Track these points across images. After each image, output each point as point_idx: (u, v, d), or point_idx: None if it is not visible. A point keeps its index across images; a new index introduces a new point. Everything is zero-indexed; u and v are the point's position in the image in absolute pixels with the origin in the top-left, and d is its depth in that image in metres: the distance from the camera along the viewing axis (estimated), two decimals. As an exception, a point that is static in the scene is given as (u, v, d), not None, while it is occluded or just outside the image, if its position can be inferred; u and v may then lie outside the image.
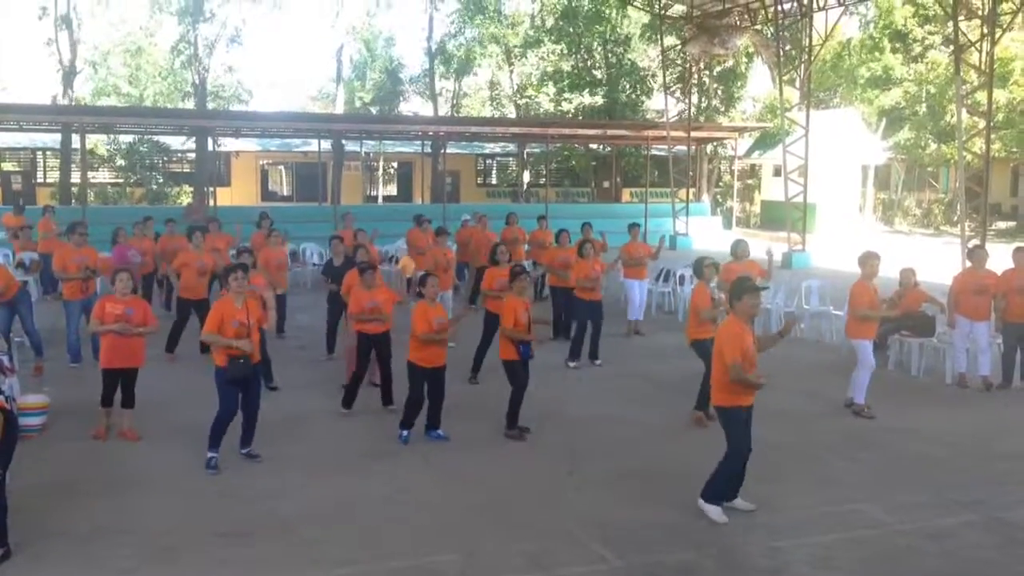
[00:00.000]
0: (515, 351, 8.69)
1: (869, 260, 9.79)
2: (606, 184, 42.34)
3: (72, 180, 32.38)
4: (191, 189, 36.17)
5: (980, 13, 19.30)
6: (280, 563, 6.02)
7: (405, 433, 8.54)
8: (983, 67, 18.88)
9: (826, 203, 31.86)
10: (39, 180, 37.99)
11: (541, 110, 39.96)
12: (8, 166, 38.79)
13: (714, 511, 6.79)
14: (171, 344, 12.02)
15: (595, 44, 39.86)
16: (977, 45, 19.10)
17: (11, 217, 18.46)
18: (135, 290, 9.10)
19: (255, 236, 14.81)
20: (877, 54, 37.12)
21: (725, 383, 6.72)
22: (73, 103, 34.08)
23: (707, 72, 38.06)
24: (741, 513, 6.89)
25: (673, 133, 30.48)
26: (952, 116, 32.14)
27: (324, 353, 12.11)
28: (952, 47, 21.61)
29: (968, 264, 11.61)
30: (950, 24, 21.29)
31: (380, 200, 42.44)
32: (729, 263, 11.29)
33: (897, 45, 37.19)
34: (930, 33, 36.54)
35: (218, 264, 12.46)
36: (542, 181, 41.19)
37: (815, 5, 24.34)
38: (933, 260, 19.83)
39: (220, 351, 7.75)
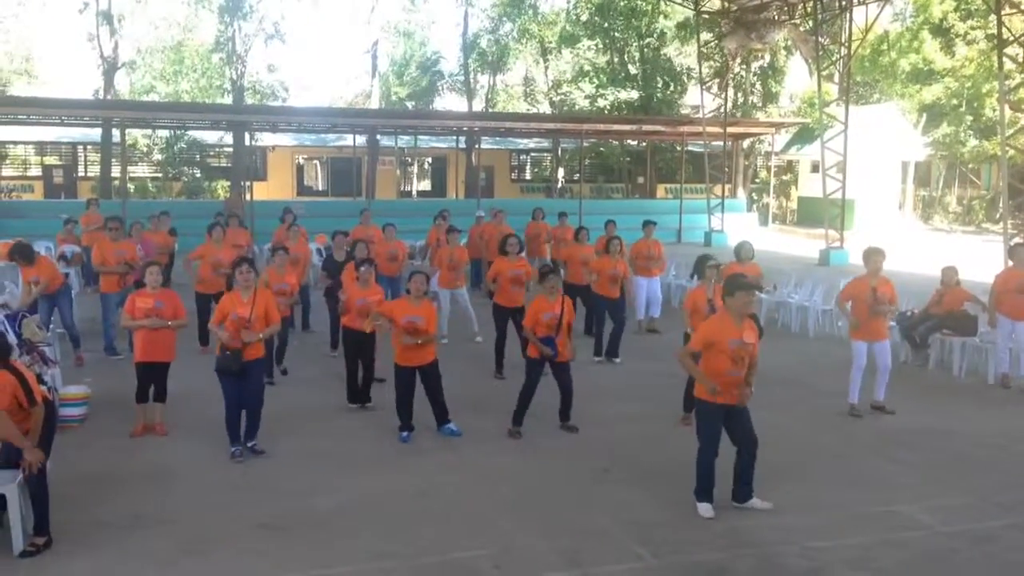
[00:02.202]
0: (536, 349, 8.65)
1: (871, 256, 9.57)
2: (640, 180, 42.14)
3: (112, 174, 32.88)
4: (228, 183, 36.55)
5: (1024, 7, 18.96)
6: (314, 556, 6.06)
7: (404, 434, 8.52)
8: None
9: (865, 200, 31.48)
10: (80, 174, 38.56)
11: (576, 106, 39.89)
12: (50, 160, 39.39)
13: (700, 507, 6.79)
14: (203, 336, 12.13)
15: (631, 39, 39.65)
16: (1021, 40, 18.75)
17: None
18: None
19: (279, 230, 14.89)
20: (916, 44, 36.57)
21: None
22: (114, 98, 34.57)
23: (744, 67, 37.72)
24: (779, 513, 6.80)
25: (709, 129, 30.28)
26: (993, 111, 31.62)
27: (331, 348, 12.13)
28: (995, 42, 21.23)
29: (1010, 263, 11.39)
30: (992, 18, 20.92)
31: (415, 195, 42.59)
32: (732, 264, 11.12)
33: (939, 40, 36.63)
34: (972, 28, 35.94)
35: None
36: (576, 176, 41.10)
37: (855, -1, 24.04)
38: (974, 258, 19.52)
39: (219, 343, 7.92)
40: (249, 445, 8.09)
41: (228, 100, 37.55)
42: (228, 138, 36.41)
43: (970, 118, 35.49)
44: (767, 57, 37.54)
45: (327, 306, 11.98)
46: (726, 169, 33.74)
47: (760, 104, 39.22)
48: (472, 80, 44.21)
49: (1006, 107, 20.42)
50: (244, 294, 8.06)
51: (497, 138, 40.49)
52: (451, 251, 13.02)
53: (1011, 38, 18.86)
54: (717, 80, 33.37)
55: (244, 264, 8.22)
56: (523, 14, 41.74)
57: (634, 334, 13.09)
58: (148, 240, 14.11)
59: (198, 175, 38.89)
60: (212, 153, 40.67)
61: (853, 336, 9.63)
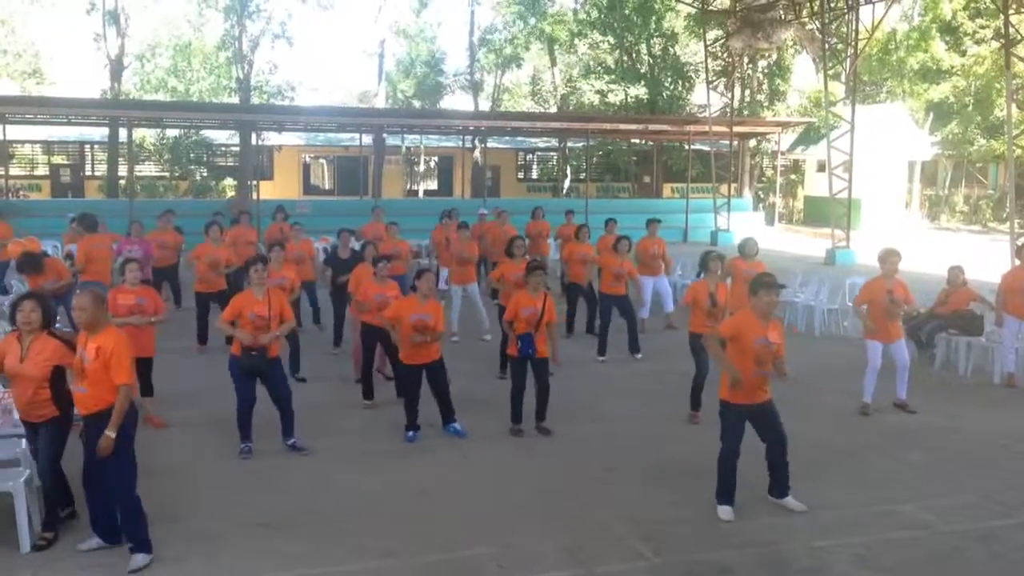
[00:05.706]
0: (515, 347, 8.58)
1: (887, 257, 9.57)
2: (647, 179, 42.09)
3: (119, 173, 32.94)
4: (234, 183, 36.60)
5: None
6: (319, 554, 6.07)
7: (411, 433, 8.48)
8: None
9: (871, 199, 31.40)
10: (87, 173, 38.66)
11: (585, 99, 39.75)
12: (57, 159, 39.51)
13: (720, 509, 6.76)
14: (201, 336, 12.16)
15: (640, 38, 39.58)
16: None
17: None
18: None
19: (270, 228, 14.81)
20: (924, 43, 36.48)
21: (724, 377, 6.76)
22: (121, 97, 34.63)
23: (751, 66, 37.66)
24: (783, 512, 6.81)
25: (715, 128, 30.23)
26: (1001, 110, 31.54)
27: (333, 346, 12.13)
28: (1002, 41, 21.17)
29: (1017, 262, 11.36)
30: (1001, 17, 20.86)
31: (421, 194, 42.60)
32: (736, 259, 11.05)
33: (947, 38, 36.54)
34: (981, 27, 35.84)
35: (232, 260, 12.46)
36: (583, 176, 41.10)
37: (861, -2, 23.98)
38: (981, 258, 19.45)
39: (236, 341, 7.89)
40: (288, 443, 8.09)
41: (235, 100, 37.57)
42: (235, 137, 36.45)
43: (978, 117, 35.38)
44: (773, 55, 37.45)
45: (332, 304, 11.99)
46: (732, 168, 33.68)
47: (766, 103, 39.13)
48: (479, 78, 44.20)
49: (1013, 106, 20.35)
50: (258, 292, 8.07)
51: (504, 137, 40.47)
52: (461, 247, 13.07)
53: (1019, 37, 18.81)
54: (724, 79, 33.31)
55: (259, 263, 8.25)
56: (537, 12, 41.70)
57: (639, 333, 13.03)
58: (158, 238, 14.09)
59: (205, 174, 38.96)
60: (219, 152, 40.73)
61: (868, 337, 9.62)
